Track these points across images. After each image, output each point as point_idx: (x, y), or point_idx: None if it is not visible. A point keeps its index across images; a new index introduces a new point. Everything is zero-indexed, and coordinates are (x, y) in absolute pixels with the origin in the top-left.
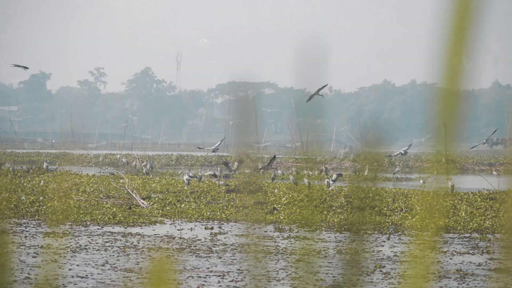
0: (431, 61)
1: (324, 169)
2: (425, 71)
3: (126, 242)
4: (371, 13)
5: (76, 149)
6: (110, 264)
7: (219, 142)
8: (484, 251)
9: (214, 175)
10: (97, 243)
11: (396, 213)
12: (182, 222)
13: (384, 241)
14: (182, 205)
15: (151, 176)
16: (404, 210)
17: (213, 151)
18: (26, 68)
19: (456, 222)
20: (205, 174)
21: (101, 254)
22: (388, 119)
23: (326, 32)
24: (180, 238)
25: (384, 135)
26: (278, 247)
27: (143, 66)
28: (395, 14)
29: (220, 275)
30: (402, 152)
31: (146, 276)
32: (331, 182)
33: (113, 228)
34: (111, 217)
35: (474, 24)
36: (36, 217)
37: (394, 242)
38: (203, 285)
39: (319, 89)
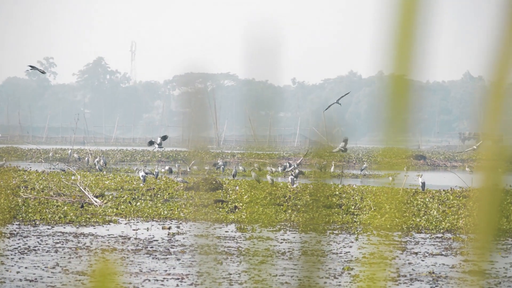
0: (385, 49)
1: (288, 165)
2: (389, 61)
3: (78, 243)
4: (336, 0)
5: (24, 143)
6: (61, 266)
7: (159, 139)
8: (458, 252)
9: (171, 171)
10: (47, 244)
11: (365, 212)
12: (137, 222)
13: (352, 242)
14: (138, 204)
15: (104, 172)
16: (373, 209)
17: (159, 147)
18: (43, 72)
19: (427, 221)
20: (162, 170)
21: (52, 255)
22: (354, 113)
23: (290, 21)
24: (135, 238)
25: (349, 129)
26: (240, 248)
27: (96, 56)
28: (360, 2)
29: (178, 278)
30: (342, 149)
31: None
32: (295, 179)
33: (64, 228)
34: (62, 216)
35: (423, 13)
36: None
37: (363, 243)
38: None
39: (340, 98)
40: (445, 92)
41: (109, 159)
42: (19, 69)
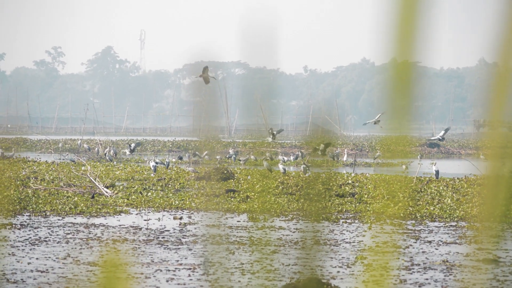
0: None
1: (299, 154)
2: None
3: (89, 233)
4: None
5: (34, 134)
6: (72, 257)
7: (133, 145)
8: (472, 240)
9: (180, 158)
10: (57, 235)
11: (378, 201)
12: (149, 212)
13: (366, 231)
14: (149, 194)
15: (114, 163)
16: (386, 198)
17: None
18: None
19: (441, 210)
20: (173, 160)
21: (62, 246)
22: (367, 100)
23: (302, 7)
24: (147, 229)
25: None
26: (252, 238)
27: (105, 45)
28: None
29: (190, 268)
30: (440, 138)
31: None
32: (307, 168)
33: (75, 218)
34: (72, 207)
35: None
36: None
37: (376, 232)
38: (172, 279)
39: (379, 115)
40: (460, 79)
41: (119, 149)
42: (28, 59)
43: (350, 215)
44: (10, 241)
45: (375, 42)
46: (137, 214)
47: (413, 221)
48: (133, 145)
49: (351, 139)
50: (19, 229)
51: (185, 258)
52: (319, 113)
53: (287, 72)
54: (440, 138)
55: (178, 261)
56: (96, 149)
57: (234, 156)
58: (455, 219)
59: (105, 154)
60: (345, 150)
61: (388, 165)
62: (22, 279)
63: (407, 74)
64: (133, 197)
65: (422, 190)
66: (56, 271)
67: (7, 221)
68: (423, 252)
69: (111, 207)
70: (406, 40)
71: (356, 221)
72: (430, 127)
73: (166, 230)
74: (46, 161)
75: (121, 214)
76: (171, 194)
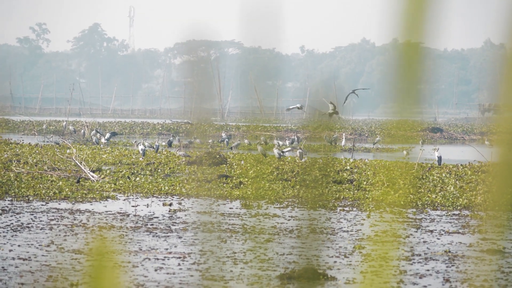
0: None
1: (295, 138)
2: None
3: (74, 219)
4: None
5: (16, 115)
6: (56, 244)
7: (108, 134)
8: (476, 230)
9: (170, 143)
10: (41, 221)
11: (377, 188)
12: (137, 198)
13: (364, 219)
14: (137, 179)
15: (101, 145)
16: (386, 185)
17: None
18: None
19: (444, 197)
20: (163, 143)
21: (46, 233)
22: (367, 83)
23: None
24: (135, 215)
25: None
26: (245, 226)
27: (92, 22)
28: None
29: (180, 257)
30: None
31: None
32: (303, 153)
33: (59, 204)
34: (56, 191)
35: None
36: None
37: (375, 220)
38: (161, 268)
39: (355, 90)
40: (464, 61)
41: (107, 132)
42: (10, 36)
43: (348, 203)
44: None
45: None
46: (124, 199)
47: (414, 210)
48: (108, 134)
49: (350, 123)
50: (0, 214)
51: (175, 246)
52: (316, 96)
53: (283, 52)
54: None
55: (167, 249)
56: (82, 131)
57: (227, 140)
58: (458, 207)
59: (92, 136)
60: (343, 134)
61: (388, 150)
62: (3, 267)
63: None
64: (120, 182)
65: (424, 177)
66: (39, 259)
67: None
68: (424, 242)
69: (97, 192)
70: (408, 19)
71: (354, 209)
72: (433, 111)
73: (155, 217)
74: (29, 143)
75: (108, 199)
76: (160, 179)
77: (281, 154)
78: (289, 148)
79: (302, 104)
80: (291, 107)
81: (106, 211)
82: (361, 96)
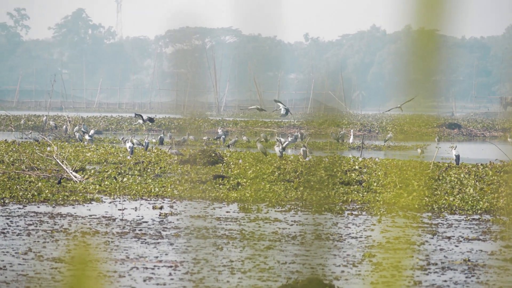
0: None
1: (299, 135)
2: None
3: (55, 224)
4: None
5: None
6: (34, 252)
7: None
8: (498, 236)
9: (161, 140)
10: (17, 226)
11: (389, 190)
12: (124, 200)
13: (374, 224)
14: (125, 179)
15: (85, 143)
16: (398, 186)
17: (148, 120)
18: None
19: (462, 200)
20: (153, 140)
21: (23, 239)
22: (377, 74)
23: None
24: (121, 219)
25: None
26: (243, 231)
27: (75, 7)
28: None
29: (171, 266)
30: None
31: (74, 267)
32: (307, 151)
33: (38, 207)
34: (35, 193)
35: None
36: None
37: (387, 226)
38: (151, 278)
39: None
40: (484, 50)
41: (91, 127)
42: None
43: (357, 206)
44: None
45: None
46: (110, 202)
47: (430, 214)
48: (92, 131)
49: (359, 118)
50: None
51: (166, 254)
52: (321, 88)
53: (285, 41)
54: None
55: (157, 257)
56: (64, 127)
57: (223, 137)
58: (479, 211)
59: (75, 133)
60: (352, 130)
61: (401, 148)
62: None
63: (423, 44)
64: (106, 183)
65: (440, 178)
66: (16, 268)
67: None
68: (441, 249)
69: (80, 194)
70: (422, 4)
71: (364, 213)
72: (450, 105)
73: (144, 222)
74: (5, 140)
75: (92, 202)
76: (150, 180)
77: (283, 152)
78: (289, 141)
79: (261, 107)
80: (249, 107)
81: (90, 215)
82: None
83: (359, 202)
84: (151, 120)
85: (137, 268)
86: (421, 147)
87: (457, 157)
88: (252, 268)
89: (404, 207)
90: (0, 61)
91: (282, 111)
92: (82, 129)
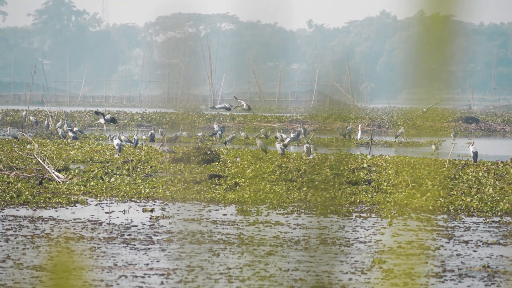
0: None
1: (302, 130)
2: None
3: (36, 229)
4: None
5: None
6: (13, 259)
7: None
8: None
9: (152, 137)
10: None
11: (400, 190)
12: (111, 202)
13: (385, 227)
14: (112, 180)
15: (69, 140)
16: (410, 186)
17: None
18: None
19: (481, 201)
20: (143, 137)
21: (1, 246)
22: (387, 64)
23: None
24: (109, 224)
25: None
26: (241, 236)
27: None
28: None
29: (163, 274)
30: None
31: (57, 276)
32: (311, 148)
33: (18, 210)
34: (14, 195)
35: None
36: None
37: (398, 229)
38: (141, 287)
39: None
40: (504, 37)
41: (75, 123)
42: None
43: (366, 208)
44: None
45: None
46: (96, 205)
47: (445, 216)
48: (76, 129)
49: (367, 112)
50: None
51: (157, 261)
52: (326, 80)
53: (287, 28)
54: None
55: (148, 264)
56: (46, 122)
57: (219, 133)
58: (499, 213)
59: (57, 129)
60: (359, 125)
61: (414, 145)
62: None
63: (437, 31)
64: (91, 183)
65: (457, 176)
66: None
67: None
68: (458, 255)
69: (63, 196)
70: None
71: (373, 215)
72: (467, 98)
73: (133, 226)
74: None
75: (76, 205)
76: (140, 180)
77: (285, 149)
78: (291, 137)
79: (231, 104)
80: (217, 106)
81: (74, 219)
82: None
83: (368, 204)
84: (113, 120)
85: (126, 277)
86: (436, 143)
87: (475, 154)
88: (252, 276)
89: (417, 209)
90: None
91: (244, 106)
92: (66, 125)
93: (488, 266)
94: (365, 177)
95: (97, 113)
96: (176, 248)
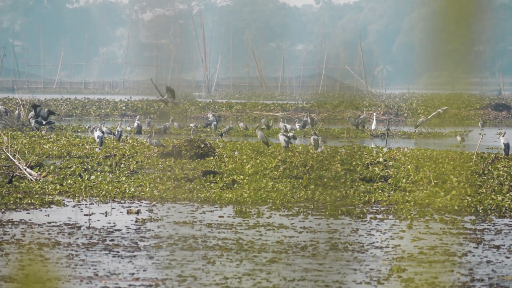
0: None
1: (308, 120)
2: None
3: (4, 234)
4: None
5: None
6: None
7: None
8: None
9: (139, 128)
10: None
11: (421, 188)
12: (92, 203)
13: (404, 231)
14: (92, 177)
15: (43, 132)
16: (433, 183)
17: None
18: None
19: None
20: (128, 128)
21: None
22: (405, 44)
23: None
24: (88, 227)
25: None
26: (240, 241)
27: None
28: None
29: (150, 285)
30: (441, 111)
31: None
32: (319, 140)
33: None
34: None
35: None
36: None
37: (419, 232)
38: None
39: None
40: None
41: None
42: None
43: (382, 208)
44: None
45: None
46: (74, 206)
47: (473, 217)
48: (46, 111)
49: (383, 99)
50: None
51: (144, 271)
52: (336, 63)
53: (291, 3)
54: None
55: (133, 274)
56: (17, 112)
57: (215, 123)
58: None
59: (30, 119)
60: (374, 114)
61: (436, 136)
62: None
63: (463, 6)
64: (69, 181)
65: (486, 172)
66: None
67: None
68: (488, 262)
69: (36, 196)
70: None
71: (391, 217)
72: (496, 82)
73: (116, 230)
74: None
75: (52, 206)
76: (124, 178)
77: (289, 141)
78: (296, 128)
79: (166, 97)
80: (157, 98)
81: (49, 222)
82: (397, 63)
83: (384, 203)
84: (51, 113)
85: None
86: (461, 134)
87: (506, 145)
88: (252, 286)
89: (441, 209)
90: None
91: (165, 97)
92: (40, 115)
93: None
94: (381, 173)
95: (33, 106)
96: (166, 255)
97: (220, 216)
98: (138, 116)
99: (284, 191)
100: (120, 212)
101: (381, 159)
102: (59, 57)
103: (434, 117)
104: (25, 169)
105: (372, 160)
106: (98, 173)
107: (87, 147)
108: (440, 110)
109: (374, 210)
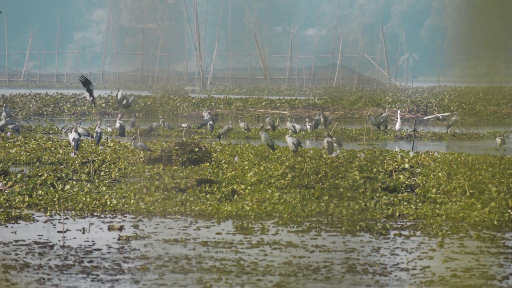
0: None
1: (321, 119)
2: None
3: None
4: None
5: None
6: None
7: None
8: None
9: (122, 129)
10: None
11: (454, 199)
12: (67, 218)
13: (434, 250)
14: (67, 187)
15: (8, 133)
16: (468, 193)
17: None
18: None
19: None
20: (108, 129)
21: None
22: (435, 27)
23: None
24: (63, 246)
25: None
26: (241, 262)
27: None
28: None
29: None
30: (440, 117)
31: None
32: (333, 143)
33: None
34: None
35: None
36: None
37: (452, 251)
38: None
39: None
40: None
41: (17, 111)
42: None
43: (408, 223)
44: None
45: None
46: (46, 221)
47: None
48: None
49: (409, 94)
50: None
51: None
52: (354, 51)
53: None
54: (440, 117)
55: None
56: None
57: (211, 123)
58: None
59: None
60: (398, 112)
61: (472, 137)
62: None
63: None
64: (39, 192)
65: None
66: None
67: None
68: None
69: (1, 209)
70: None
71: (418, 233)
72: None
73: (95, 249)
74: None
75: (19, 221)
76: (104, 188)
77: (299, 144)
78: (307, 128)
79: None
80: (80, 96)
81: (16, 241)
82: (426, 51)
83: (410, 218)
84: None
85: None
86: (502, 135)
87: None
88: None
89: (478, 224)
90: None
91: (87, 97)
92: (4, 113)
93: None
94: (406, 182)
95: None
96: (154, 279)
97: (217, 233)
98: (120, 115)
99: (293, 203)
100: (100, 228)
101: (406, 165)
102: (26, 45)
103: (431, 120)
104: None
105: (396, 167)
106: (74, 182)
107: (61, 151)
108: (440, 115)
109: (399, 226)
